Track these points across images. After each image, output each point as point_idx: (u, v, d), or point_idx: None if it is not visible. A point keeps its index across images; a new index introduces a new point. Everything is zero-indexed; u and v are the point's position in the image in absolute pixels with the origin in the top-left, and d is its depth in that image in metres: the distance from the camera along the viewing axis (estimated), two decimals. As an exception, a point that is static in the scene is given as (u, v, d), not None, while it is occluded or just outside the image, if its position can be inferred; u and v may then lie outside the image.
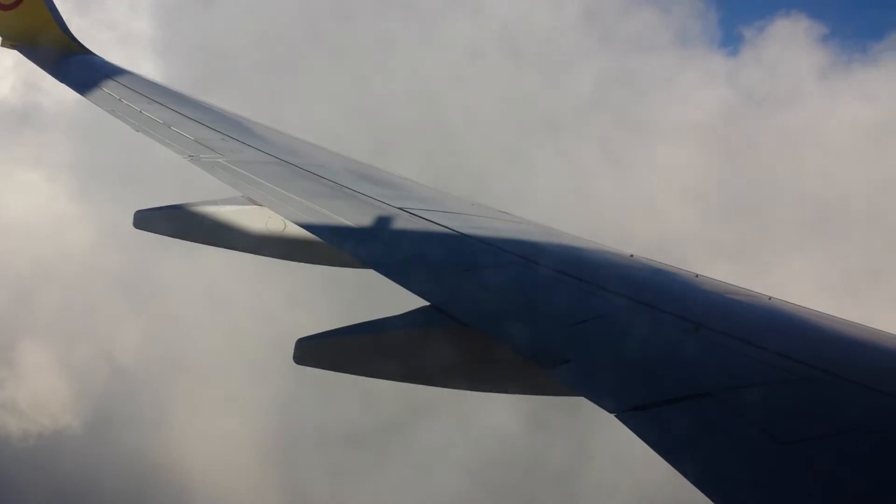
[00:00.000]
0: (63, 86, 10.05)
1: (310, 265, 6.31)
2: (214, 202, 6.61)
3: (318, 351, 4.78)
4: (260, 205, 6.41)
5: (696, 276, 5.54)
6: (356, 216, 6.24)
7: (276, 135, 8.67)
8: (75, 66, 10.80)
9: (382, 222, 6.18)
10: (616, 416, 3.64)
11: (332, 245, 5.85)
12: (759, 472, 3.23)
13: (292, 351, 4.68)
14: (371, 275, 5.33)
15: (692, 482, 3.15)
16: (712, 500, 3.03)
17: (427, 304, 4.89)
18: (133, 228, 6.69)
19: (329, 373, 4.82)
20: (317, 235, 5.94)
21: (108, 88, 9.77)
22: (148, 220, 6.63)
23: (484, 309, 4.91)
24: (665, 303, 4.88)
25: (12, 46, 11.24)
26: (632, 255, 5.94)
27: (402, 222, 6.17)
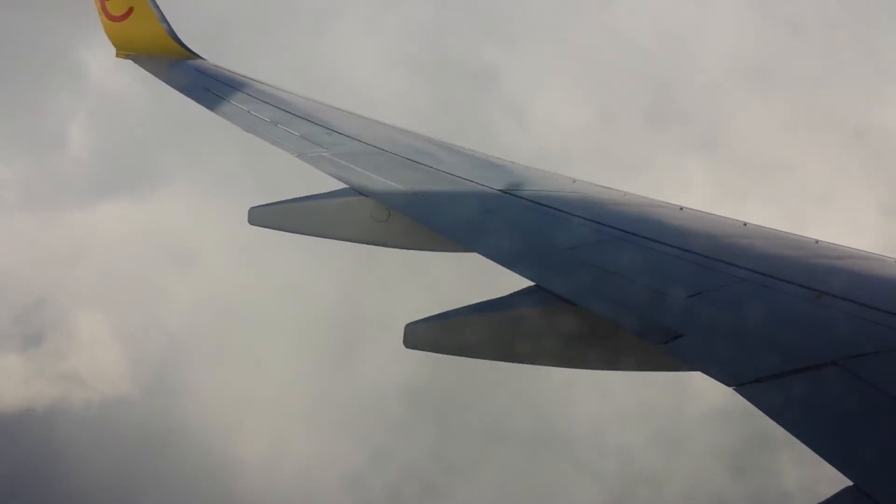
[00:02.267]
0: (175, 91, 10.51)
1: (415, 252, 6.42)
2: (322, 196, 6.81)
3: (427, 334, 4.86)
4: (365, 195, 6.56)
5: (816, 241, 5.30)
6: (457, 201, 6.29)
7: (376, 125, 8.82)
8: (185, 71, 11.27)
9: (484, 205, 6.20)
10: (735, 390, 3.55)
11: (435, 230, 5.92)
12: (888, 441, 3.09)
13: (402, 336, 4.79)
14: (476, 258, 5.36)
15: (818, 453, 3.04)
16: (841, 472, 2.91)
17: (533, 284, 4.88)
18: (248, 225, 7.00)
19: (436, 357, 4.90)
20: (420, 222, 6.02)
21: (218, 91, 10.16)
22: (261, 215, 6.91)
23: (591, 287, 4.86)
24: (782, 271, 4.70)
25: (126, 56, 11.83)
26: (746, 224, 5.74)
27: (504, 204, 6.18)
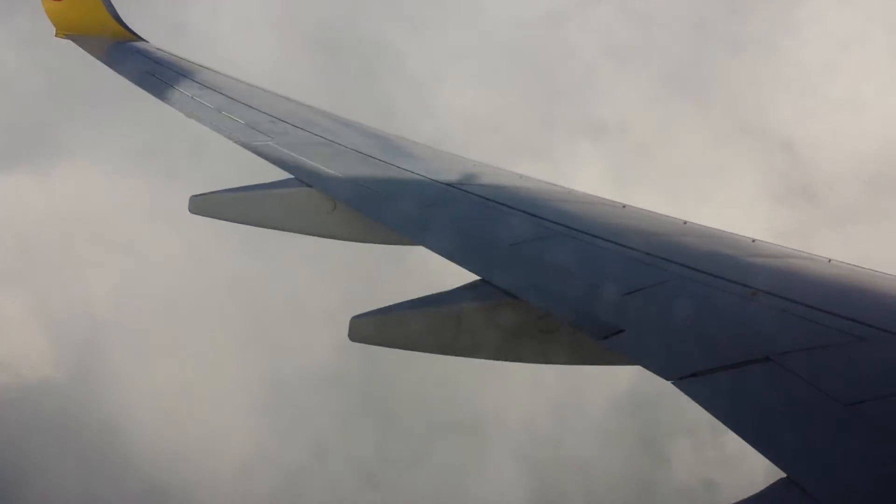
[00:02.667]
0: (115, 73, 10.24)
1: (360, 244, 6.39)
2: (266, 185, 6.72)
3: (372, 328, 4.85)
4: (309, 186, 6.49)
5: (753, 241, 5.44)
6: (404, 194, 6.28)
7: (322, 116, 8.73)
8: (127, 53, 10.98)
9: (430, 199, 6.20)
10: (673, 384, 3.63)
11: (381, 223, 5.90)
12: (821, 435, 3.19)
13: (346, 329, 4.76)
14: (421, 252, 5.37)
15: (753, 446, 3.13)
16: (775, 464, 3.00)
17: (478, 278, 4.91)
18: (189, 213, 6.87)
19: (381, 350, 4.89)
20: (365, 214, 6.00)
21: (160, 75, 9.92)
22: (202, 204, 6.79)
23: (535, 282, 4.91)
24: (720, 269, 4.81)
25: (65, 36, 11.47)
26: (686, 223, 5.86)
27: (450, 198, 6.18)
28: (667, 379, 3.68)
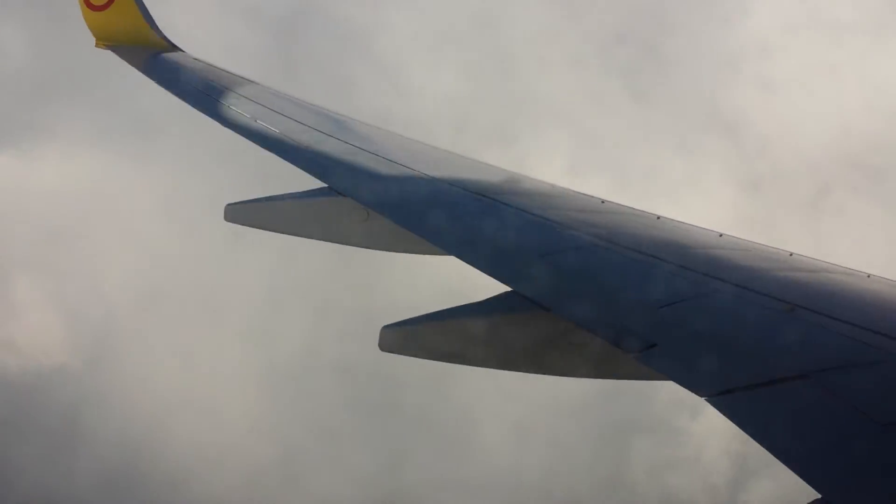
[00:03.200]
0: (154, 84, 10.40)
1: (392, 253, 6.41)
2: (300, 194, 6.78)
3: (402, 338, 4.86)
4: (343, 195, 6.53)
5: (790, 254, 5.35)
6: (437, 203, 6.28)
7: (357, 124, 8.79)
8: (165, 64, 11.15)
9: (463, 209, 6.20)
10: (706, 400, 3.58)
11: (413, 233, 5.91)
12: (857, 454, 3.12)
13: (377, 339, 4.77)
14: (453, 262, 5.37)
15: (786, 465, 3.07)
16: (809, 484, 2.94)
17: (509, 289, 4.89)
18: (224, 221, 6.96)
19: (411, 360, 4.90)
20: (397, 223, 6.01)
21: (197, 85, 10.06)
22: (237, 212, 6.88)
23: (568, 294, 4.88)
24: (757, 283, 4.74)
25: (105, 46, 11.68)
26: (721, 235, 5.78)
27: (482, 208, 6.18)
28: (700, 395, 3.64)
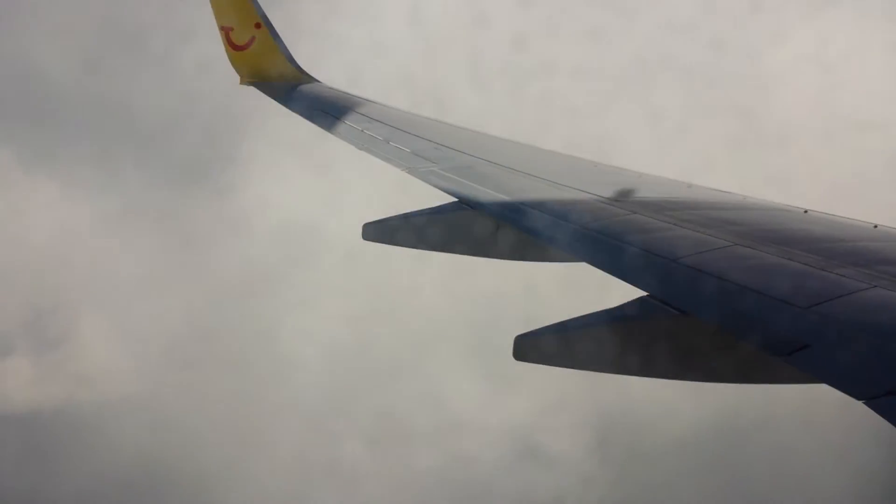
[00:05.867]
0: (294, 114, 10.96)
1: (523, 262, 6.40)
2: (432, 210, 6.91)
3: (537, 346, 4.82)
4: (473, 208, 6.60)
5: None
6: (564, 211, 6.22)
7: (482, 137, 8.88)
8: (303, 94, 11.72)
9: (592, 215, 6.10)
10: (865, 404, 3.34)
11: (543, 241, 5.88)
12: None
13: (511, 348, 4.76)
14: (585, 269, 5.28)
15: None
16: None
17: (646, 294, 4.75)
18: (362, 240, 7.20)
19: (545, 369, 4.85)
20: (527, 233, 6.00)
21: (333, 112, 10.52)
22: (374, 231, 7.10)
23: (708, 296, 4.68)
24: None
25: (249, 83, 12.43)
26: (876, 226, 5.39)
27: (613, 212, 6.05)
28: (857, 399, 3.39)
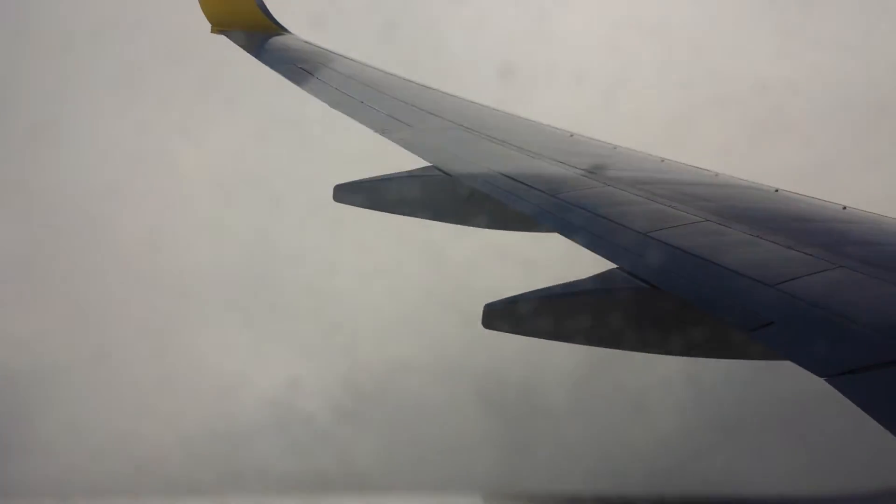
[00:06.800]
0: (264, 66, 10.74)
1: (495, 231, 6.41)
2: (405, 174, 6.87)
3: (506, 316, 4.85)
4: (448, 174, 6.57)
5: None
6: (539, 180, 6.22)
7: (462, 103, 8.81)
8: (274, 46, 11.49)
9: (568, 185, 6.11)
10: (826, 381, 3.41)
11: (516, 210, 5.88)
12: None
13: (479, 316, 4.78)
14: (558, 239, 5.30)
15: None
16: None
17: (615, 266, 4.79)
18: (332, 202, 7.15)
19: (512, 338, 4.88)
20: (500, 199, 5.99)
21: (306, 67, 10.32)
22: (345, 193, 7.05)
23: (677, 271, 4.73)
24: (883, 259, 4.46)
25: (220, 31, 12.15)
26: (845, 208, 5.48)
27: (588, 184, 6.07)
28: (819, 376, 3.47)
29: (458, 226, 6.66)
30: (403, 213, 6.91)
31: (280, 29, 12.11)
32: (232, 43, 11.84)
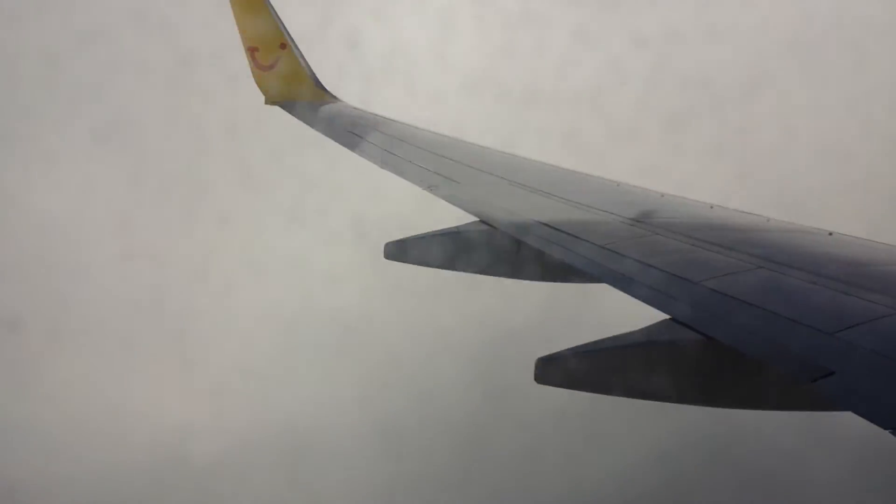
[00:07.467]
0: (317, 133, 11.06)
1: (545, 283, 6.39)
2: (453, 229, 6.92)
3: (559, 369, 4.78)
4: (495, 228, 6.60)
5: None
6: (586, 231, 6.20)
7: (504, 157, 8.90)
8: (327, 114, 11.84)
9: (615, 235, 6.08)
10: (891, 433, 3.28)
11: (564, 262, 5.86)
12: None
13: (532, 371, 4.73)
14: (607, 290, 5.25)
15: None
16: None
17: (667, 317, 4.71)
18: (384, 260, 7.23)
19: (566, 392, 4.81)
20: (548, 253, 5.98)
21: (356, 131, 10.60)
22: (396, 250, 7.12)
23: (732, 320, 4.63)
24: None
25: (273, 103, 12.57)
26: None
27: (636, 233, 6.03)
28: (884, 428, 3.33)
29: (507, 279, 6.66)
30: (453, 269, 6.94)
31: (331, 97, 12.47)
32: (285, 112, 12.25)
